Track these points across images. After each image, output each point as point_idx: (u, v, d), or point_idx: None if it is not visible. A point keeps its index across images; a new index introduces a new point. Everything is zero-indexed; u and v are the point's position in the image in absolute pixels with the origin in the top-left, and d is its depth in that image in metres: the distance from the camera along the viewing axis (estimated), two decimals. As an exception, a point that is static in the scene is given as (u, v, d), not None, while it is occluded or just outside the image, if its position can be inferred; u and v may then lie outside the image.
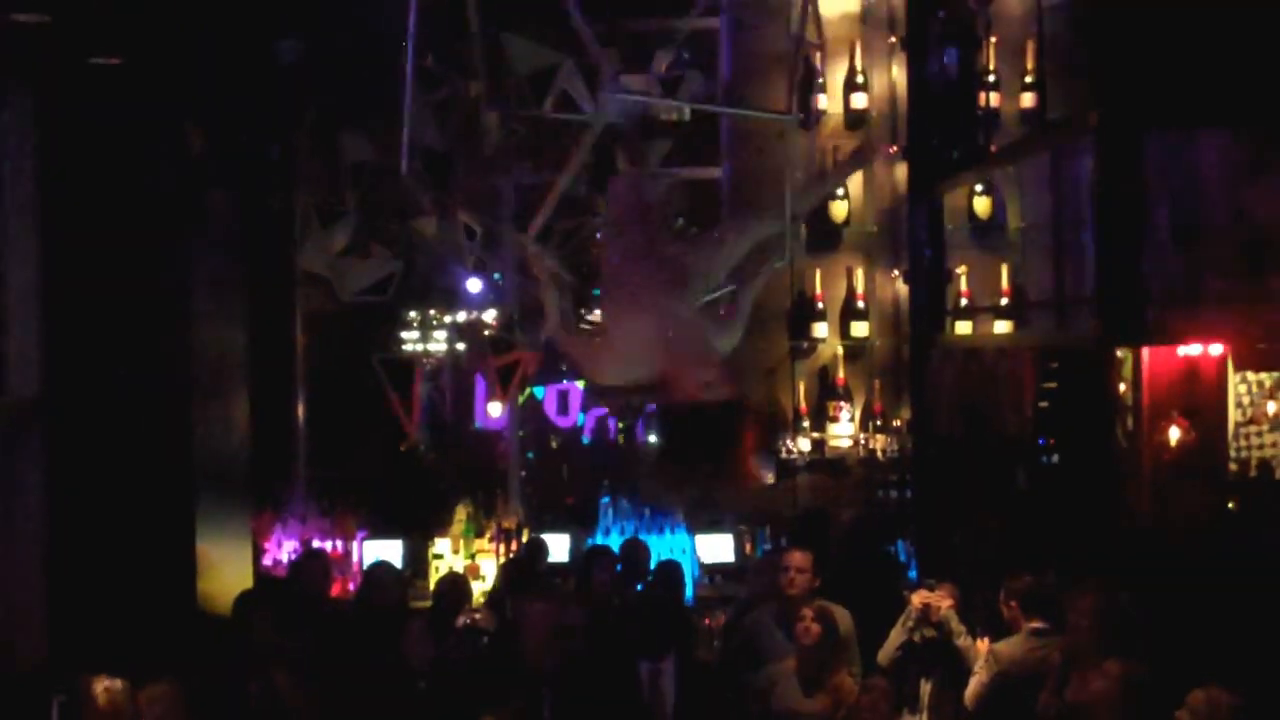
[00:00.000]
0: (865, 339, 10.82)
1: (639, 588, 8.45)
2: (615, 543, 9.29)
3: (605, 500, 10.10)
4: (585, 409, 10.96)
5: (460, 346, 10.64)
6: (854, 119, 10.82)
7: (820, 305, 10.77)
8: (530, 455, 11.00)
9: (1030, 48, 10.71)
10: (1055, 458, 9.01)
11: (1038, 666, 6.74)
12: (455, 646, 7.50)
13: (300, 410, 10.66)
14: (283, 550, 9.75)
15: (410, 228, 9.92)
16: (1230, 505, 8.43)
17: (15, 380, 7.70)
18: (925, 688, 7.28)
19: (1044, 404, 8.88)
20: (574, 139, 8.41)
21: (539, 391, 10.83)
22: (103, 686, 5.96)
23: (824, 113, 10.77)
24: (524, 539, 9.75)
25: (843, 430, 10.68)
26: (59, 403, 7.75)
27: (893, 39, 10.87)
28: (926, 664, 7.27)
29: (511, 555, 9.57)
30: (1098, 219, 7.87)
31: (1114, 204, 7.67)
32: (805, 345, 10.85)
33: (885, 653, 7.30)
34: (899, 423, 10.74)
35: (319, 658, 7.00)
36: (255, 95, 8.98)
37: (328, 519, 9.99)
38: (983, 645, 7.18)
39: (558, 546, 9.68)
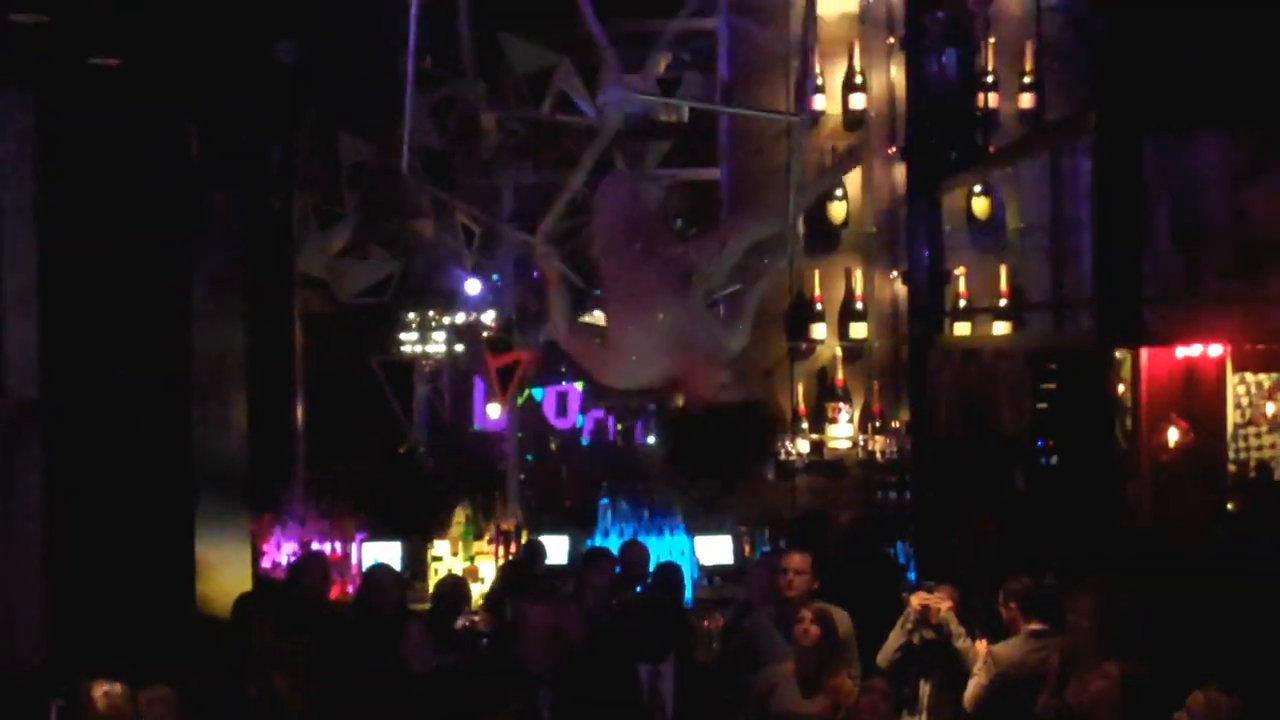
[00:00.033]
0: (864, 340, 10.83)
1: (638, 590, 8.45)
2: (614, 545, 9.28)
3: (604, 502, 10.10)
4: (584, 410, 10.96)
5: (459, 348, 10.63)
6: (852, 120, 10.83)
7: (819, 306, 10.78)
8: (529, 457, 10.99)
9: (1029, 48, 10.72)
10: (1054, 459, 9.00)
11: (1037, 668, 6.74)
12: (454, 650, 7.51)
13: (299, 412, 10.65)
14: (282, 552, 9.74)
15: (409, 229, 9.92)
16: (1229, 506, 8.43)
17: (14, 381, 7.69)
18: (924, 689, 7.29)
19: (1043, 405, 8.87)
20: (574, 139, 8.40)
21: (538, 393, 10.82)
22: (102, 691, 5.96)
23: (823, 113, 10.77)
24: (523, 541, 9.74)
25: (841, 431, 10.68)
26: (58, 404, 7.74)
27: (891, 39, 10.88)
28: (925, 665, 7.27)
29: (510, 557, 9.57)
30: (1096, 220, 7.87)
31: (1112, 205, 7.68)
32: (804, 346, 10.85)
33: (884, 654, 7.30)
34: (898, 424, 10.75)
35: (318, 660, 7.00)
36: (254, 96, 8.97)
37: (326, 521, 9.98)
38: (982, 647, 7.18)
39: (556, 548, 9.67)
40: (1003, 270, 10.50)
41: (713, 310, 6.80)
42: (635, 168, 8.54)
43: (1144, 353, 7.85)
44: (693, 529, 9.98)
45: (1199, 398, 7.88)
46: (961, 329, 10.53)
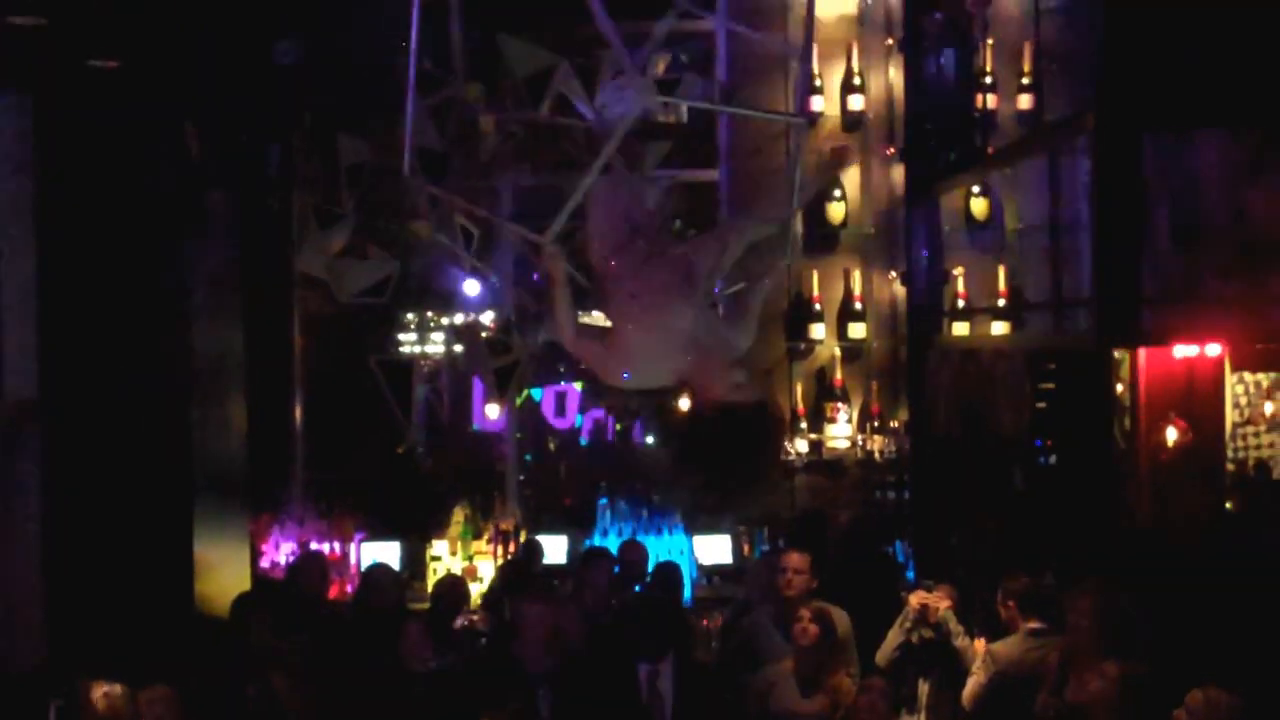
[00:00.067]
0: (863, 340, 10.82)
1: (637, 589, 8.45)
2: (613, 544, 9.28)
3: (603, 502, 10.10)
4: (583, 410, 10.96)
5: (458, 348, 10.63)
6: (851, 121, 10.83)
7: (818, 306, 10.77)
8: (528, 457, 11.00)
9: (1027, 49, 10.72)
10: (1053, 458, 9.01)
11: (1035, 667, 6.75)
12: (453, 650, 7.51)
13: (298, 412, 10.65)
14: (280, 552, 9.74)
15: (408, 229, 9.90)
16: (1228, 505, 8.44)
17: (13, 381, 7.69)
18: (923, 688, 7.29)
19: (1041, 405, 8.88)
20: (572, 142, 8.40)
21: (536, 393, 10.83)
22: (102, 692, 5.97)
23: (821, 114, 10.77)
24: (521, 540, 9.75)
25: (840, 431, 10.68)
26: (57, 404, 7.74)
27: (890, 41, 10.88)
28: (924, 665, 7.28)
29: (509, 557, 9.57)
30: (1095, 220, 7.87)
31: (1111, 205, 7.68)
32: (803, 346, 10.85)
33: (883, 653, 7.30)
34: (896, 424, 10.75)
35: (317, 660, 7.00)
36: (253, 97, 8.97)
37: (325, 521, 9.99)
38: (980, 646, 7.18)
39: (555, 548, 9.67)
40: (1001, 270, 10.50)
41: (714, 310, 6.80)
42: (635, 169, 8.53)
43: (1142, 352, 7.85)
44: (691, 528, 9.99)
45: (1198, 397, 7.88)
46: (960, 329, 10.53)
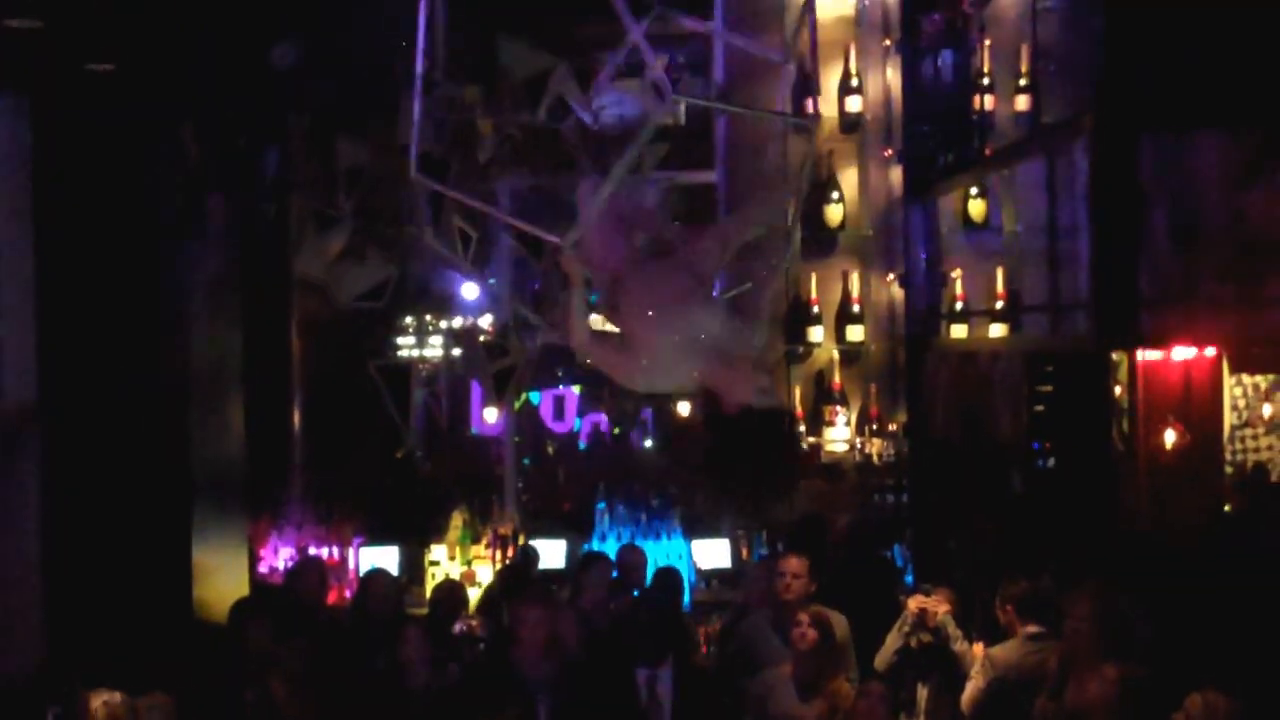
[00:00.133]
0: (861, 343, 10.82)
1: (635, 594, 8.44)
2: (611, 549, 9.27)
3: (601, 506, 10.09)
4: (581, 414, 10.95)
5: (456, 352, 10.62)
6: (849, 122, 10.82)
7: (815, 309, 10.77)
8: (526, 461, 10.99)
9: (1025, 50, 10.72)
10: (1051, 461, 9.00)
11: (1034, 671, 6.74)
12: (451, 655, 7.50)
13: (296, 416, 10.64)
14: (279, 557, 9.73)
15: (406, 232, 9.89)
16: (1227, 508, 8.43)
17: (12, 385, 7.69)
18: (922, 692, 7.28)
19: (1039, 407, 8.87)
20: (571, 144, 8.38)
21: (535, 397, 10.82)
22: (101, 701, 5.97)
23: (819, 116, 10.76)
24: (520, 545, 9.73)
25: (839, 434, 10.68)
26: (56, 407, 7.74)
27: (887, 42, 10.87)
28: (923, 669, 7.26)
29: (508, 562, 9.55)
30: (1093, 222, 7.87)
31: (1109, 207, 7.68)
32: (801, 349, 10.84)
33: (882, 658, 7.29)
34: (895, 427, 10.74)
35: (315, 665, 6.98)
36: (251, 100, 8.96)
37: (324, 525, 9.97)
38: (979, 649, 7.17)
39: (554, 552, 9.66)
40: (999, 273, 10.49)
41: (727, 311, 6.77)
42: (634, 170, 8.52)
43: (1140, 355, 7.85)
44: (690, 532, 9.98)
45: (1196, 400, 7.87)
46: (958, 331, 10.53)
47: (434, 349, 10.77)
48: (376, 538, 9.90)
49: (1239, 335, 7.85)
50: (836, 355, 10.83)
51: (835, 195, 10.73)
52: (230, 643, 7.05)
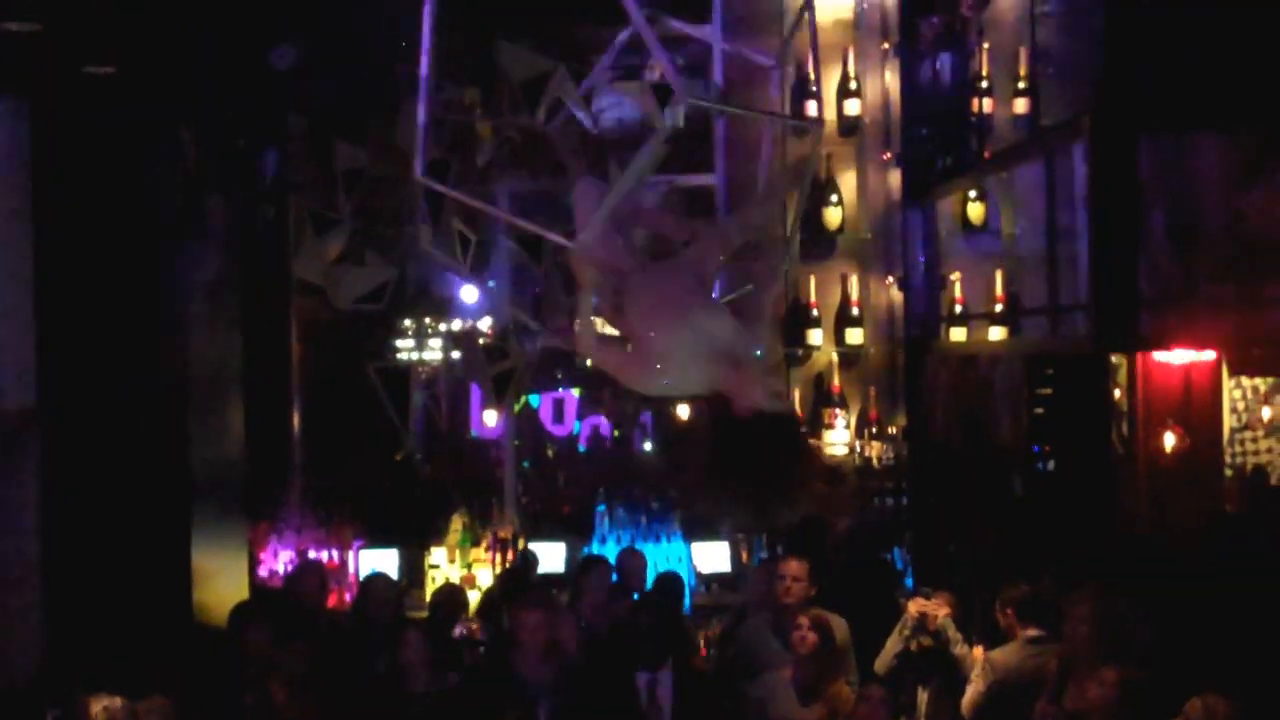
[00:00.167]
0: (860, 346, 10.80)
1: (635, 597, 8.44)
2: (611, 552, 9.27)
3: (601, 509, 10.09)
4: (581, 417, 10.95)
5: (455, 354, 10.62)
6: (847, 125, 10.82)
7: (815, 312, 10.76)
8: (526, 464, 10.98)
9: (1023, 53, 10.72)
10: (1051, 464, 9.01)
11: (1034, 674, 6.74)
12: (451, 658, 7.49)
13: (295, 419, 10.63)
14: (279, 560, 9.72)
15: (406, 234, 9.89)
16: (1226, 510, 8.43)
17: (12, 386, 7.68)
18: (922, 696, 7.28)
19: (1039, 410, 8.88)
20: (559, 147, 8.38)
21: (534, 400, 10.81)
22: (101, 705, 5.97)
23: (822, 120, 10.75)
24: (520, 548, 9.73)
25: (838, 438, 10.66)
26: (55, 409, 7.73)
27: (886, 45, 10.87)
28: (923, 672, 7.26)
29: (508, 565, 9.55)
30: (1092, 224, 7.86)
31: (1108, 209, 7.67)
32: (800, 352, 10.83)
33: (882, 661, 7.29)
34: (894, 430, 10.73)
35: (315, 669, 6.97)
36: (250, 101, 8.96)
37: (323, 529, 9.96)
38: (979, 653, 7.17)
39: (553, 556, 9.65)
40: (998, 275, 10.49)
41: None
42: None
43: (1140, 358, 7.85)
44: (690, 536, 9.97)
45: (1195, 402, 7.88)
46: (958, 334, 10.53)
47: (433, 352, 10.77)
48: (376, 541, 9.89)
49: (1239, 337, 7.84)
50: (836, 358, 10.82)
51: (834, 198, 10.72)
52: (230, 646, 7.05)
